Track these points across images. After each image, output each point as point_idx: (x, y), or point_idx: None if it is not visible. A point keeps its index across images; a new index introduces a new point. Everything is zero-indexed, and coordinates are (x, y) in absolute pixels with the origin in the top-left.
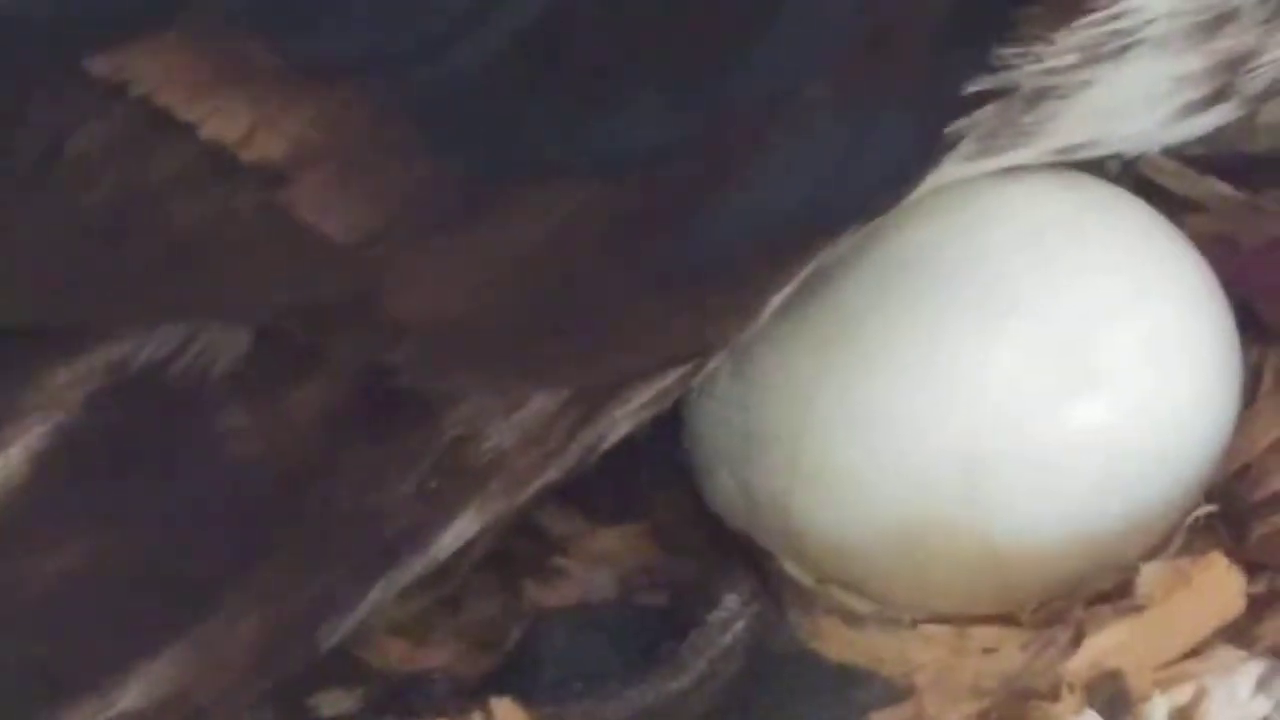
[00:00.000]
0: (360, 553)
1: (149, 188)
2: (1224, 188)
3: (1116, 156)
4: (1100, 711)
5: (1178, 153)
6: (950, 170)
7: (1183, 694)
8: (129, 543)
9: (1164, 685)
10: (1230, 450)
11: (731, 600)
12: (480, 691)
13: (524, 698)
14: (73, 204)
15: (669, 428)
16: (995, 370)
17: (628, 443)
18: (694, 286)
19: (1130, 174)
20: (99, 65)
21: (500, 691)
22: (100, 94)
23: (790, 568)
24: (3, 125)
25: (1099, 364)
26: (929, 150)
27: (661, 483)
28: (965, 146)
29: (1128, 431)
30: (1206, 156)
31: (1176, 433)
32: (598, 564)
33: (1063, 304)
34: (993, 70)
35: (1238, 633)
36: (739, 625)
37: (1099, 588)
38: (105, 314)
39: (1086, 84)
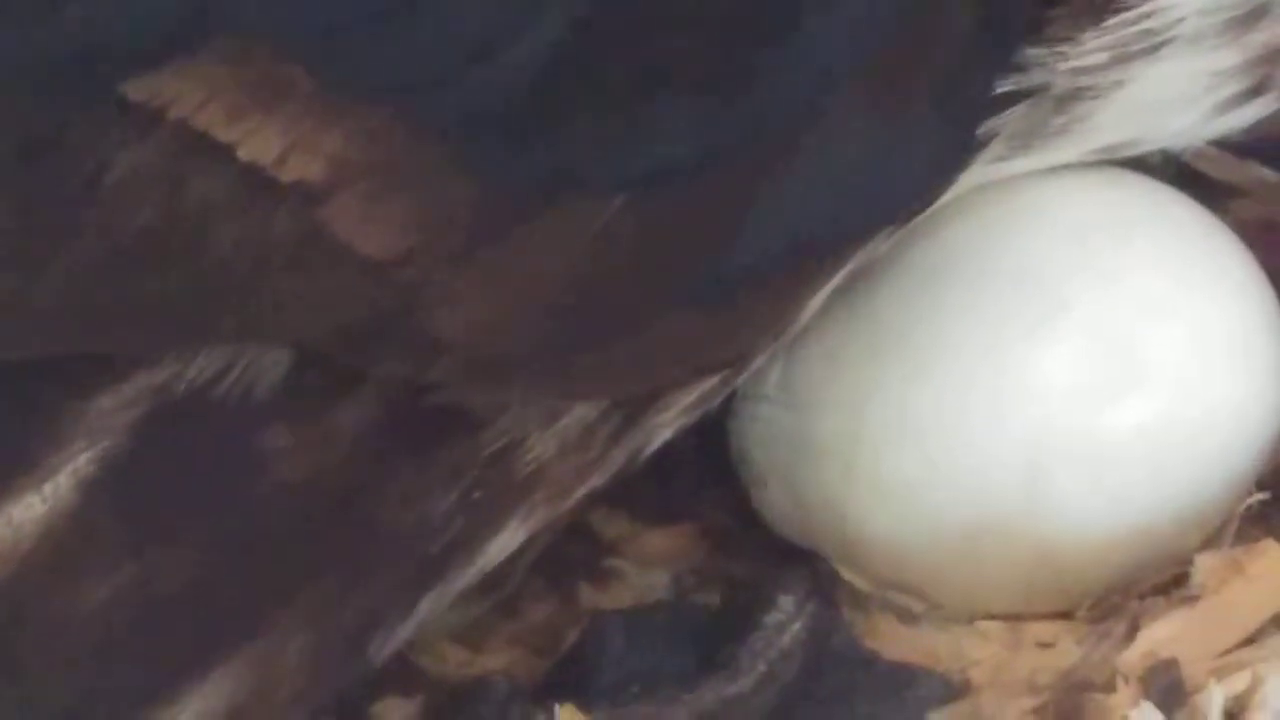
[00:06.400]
0: (407, 567)
1: (190, 211)
2: (1266, 173)
3: (1159, 150)
4: (1156, 702)
5: (1218, 139)
6: (984, 171)
7: (1238, 682)
8: (177, 566)
9: (1219, 674)
10: None
11: (787, 602)
12: (538, 695)
13: (582, 701)
14: (114, 229)
15: (713, 428)
16: (1045, 371)
17: (673, 443)
18: (729, 296)
19: (1172, 163)
20: (136, 90)
21: (558, 695)
22: (138, 119)
23: (845, 573)
24: (43, 152)
25: (1148, 360)
26: (960, 152)
27: (708, 482)
28: (996, 147)
29: (1179, 426)
30: (1247, 142)
31: (1227, 424)
32: (651, 565)
33: (1110, 303)
34: (1022, 70)
35: None
36: (796, 626)
37: (1155, 580)
38: (148, 339)
39: (1120, 83)
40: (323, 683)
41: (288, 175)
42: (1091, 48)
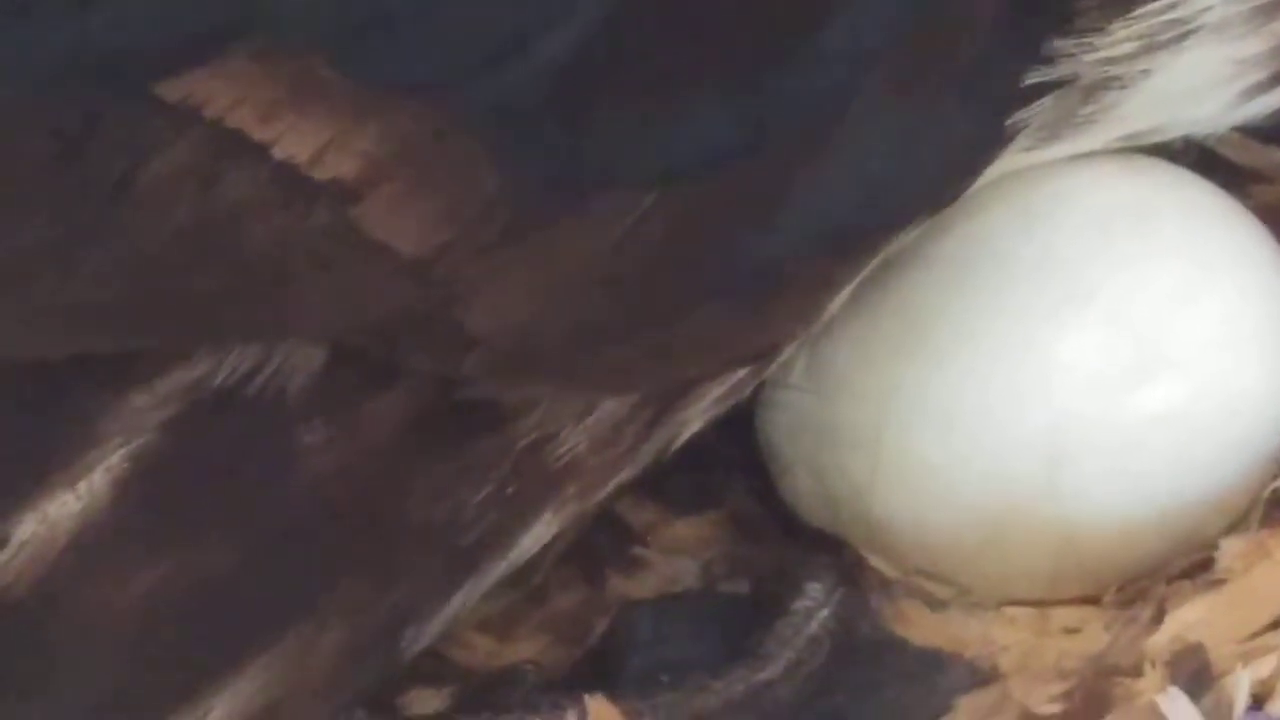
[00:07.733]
0: (440, 561)
1: (224, 210)
2: None
3: (1181, 136)
4: (1183, 686)
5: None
6: (1010, 160)
7: (1265, 666)
8: (211, 562)
9: (1246, 658)
10: None
11: (815, 589)
12: (567, 685)
13: (611, 690)
14: (149, 229)
15: (740, 416)
16: (1069, 358)
17: (700, 432)
18: (760, 287)
19: (1194, 148)
20: (170, 90)
21: (587, 684)
22: (173, 119)
23: (872, 560)
24: (77, 153)
25: (1172, 347)
26: (989, 144)
27: (735, 470)
28: (1023, 138)
29: (1203, 411)
30: (1269, 127)
31: (1251, 409)
32: (678, 553)
33: (1133, 289)
34: (1050, 62)
35: None
36: (824, 613)
37: (1181, 565)
38: (183, 337)
39: (1146, 73)
40: (356, 677)
41: (322, 174)
42: (1119, 38)
